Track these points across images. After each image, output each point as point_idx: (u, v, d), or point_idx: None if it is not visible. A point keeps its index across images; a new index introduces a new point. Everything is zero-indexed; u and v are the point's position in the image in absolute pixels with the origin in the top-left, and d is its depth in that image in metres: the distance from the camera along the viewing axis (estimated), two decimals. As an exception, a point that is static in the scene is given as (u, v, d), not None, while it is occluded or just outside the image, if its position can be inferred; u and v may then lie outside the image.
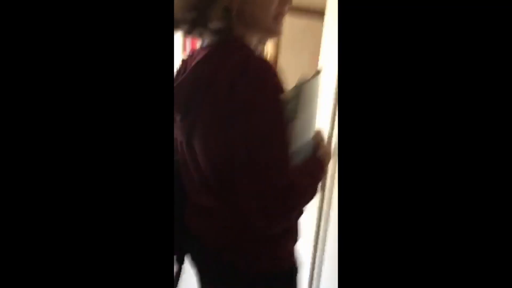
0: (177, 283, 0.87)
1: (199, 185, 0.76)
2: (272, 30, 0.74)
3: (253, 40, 0.73)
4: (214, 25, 0.66)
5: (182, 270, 0.87)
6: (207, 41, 0.71)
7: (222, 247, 0.77)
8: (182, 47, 1.88)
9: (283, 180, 0.62)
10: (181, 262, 0.87)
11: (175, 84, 0.70)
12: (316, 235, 1.37)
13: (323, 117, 1.24)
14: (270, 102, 0.61)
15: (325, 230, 1.33)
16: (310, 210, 1.35)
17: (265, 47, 0.91)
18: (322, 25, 1.40)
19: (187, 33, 0.70)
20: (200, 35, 0.70)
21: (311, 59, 2.37)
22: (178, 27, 0.68)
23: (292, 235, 0.82)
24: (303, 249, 1.14)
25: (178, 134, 0.76)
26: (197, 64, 0.68)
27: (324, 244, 1.34)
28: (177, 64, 0.75)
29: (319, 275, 1.39)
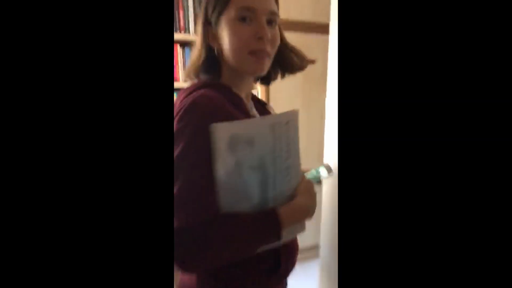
0: None
1: None
2: (247, 67, 0.73)
3: (238, 80, 0.77)
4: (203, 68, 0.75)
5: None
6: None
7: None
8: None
9: (195, 217, 0.61)
10: None
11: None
12: None
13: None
14: (191, 138, 0.63)
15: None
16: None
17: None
18: (327, 41, 1.36)
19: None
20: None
21: (319, 79, 2.35)
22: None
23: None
24: None
25: None
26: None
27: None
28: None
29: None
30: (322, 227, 1.44)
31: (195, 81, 0.77)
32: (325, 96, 1.45)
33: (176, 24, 1.79)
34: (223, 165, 0.62)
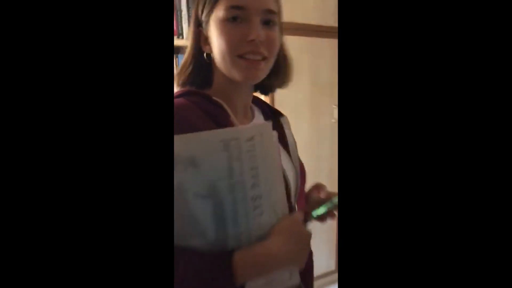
0: None
1: None
2: (237, 73, 0.66)
3: (232, 89, 0.70)
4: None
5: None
6: None
7: None
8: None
9: None
10: None
11: None
12: None
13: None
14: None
15: None
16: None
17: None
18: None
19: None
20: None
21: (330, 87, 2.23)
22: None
23: None
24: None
25: None
26: None
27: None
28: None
29: None
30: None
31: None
32: (335, 104, 1.34)
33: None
34: None
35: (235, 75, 0.66)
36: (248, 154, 0.52)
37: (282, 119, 0.80)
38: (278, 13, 0.67)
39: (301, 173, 0.77)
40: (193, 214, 0.52)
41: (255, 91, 0.79)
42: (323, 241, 2.23)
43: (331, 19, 2.07)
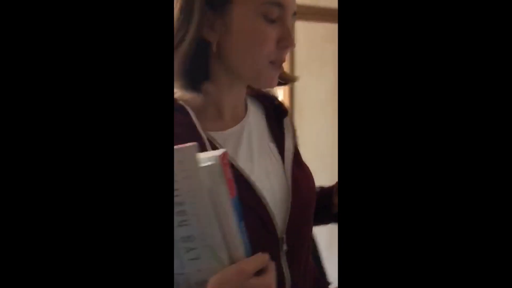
0: None
1: None
2: (264, 80, 0.62)
3: (227, 89, 0.64)
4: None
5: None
6: None
7: None
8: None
9: None
10: None
11: None
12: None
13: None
14: None
15: None
16: None
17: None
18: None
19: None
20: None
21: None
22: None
23: None
24: None
25: None
26: None
27: None
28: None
29: None
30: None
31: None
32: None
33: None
34: None
35: (262, 81, 0.62)
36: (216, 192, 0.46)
37: (285, 120, 0.71)
38: None
39: (301, 187, 0.65)
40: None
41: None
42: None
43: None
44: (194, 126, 0.59)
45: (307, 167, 0.70)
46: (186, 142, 0.45)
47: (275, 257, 0.56)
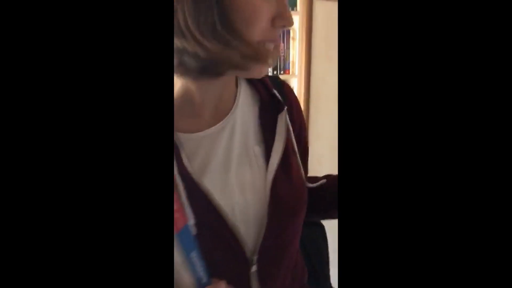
0: None
1: None
2: (258, 65, 0.52)
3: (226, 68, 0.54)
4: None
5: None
6: None
7: None
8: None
9: None
10: None
11: None
12: None
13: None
14: None
15: None
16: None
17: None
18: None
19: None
20: None
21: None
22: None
23: None
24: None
25: None
26: None
27: None
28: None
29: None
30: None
31: None
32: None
33: None
34: None
35: (254, 66, 0.52)
36: None
37: (279, 116, 0.60)
38: None
39: (283, 199, 0.57)
40: None
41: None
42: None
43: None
44: None
45: (299, 173, 0.62)
46: None
47: (243, 280, 0.55)
